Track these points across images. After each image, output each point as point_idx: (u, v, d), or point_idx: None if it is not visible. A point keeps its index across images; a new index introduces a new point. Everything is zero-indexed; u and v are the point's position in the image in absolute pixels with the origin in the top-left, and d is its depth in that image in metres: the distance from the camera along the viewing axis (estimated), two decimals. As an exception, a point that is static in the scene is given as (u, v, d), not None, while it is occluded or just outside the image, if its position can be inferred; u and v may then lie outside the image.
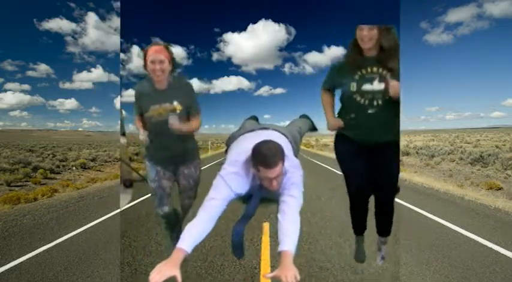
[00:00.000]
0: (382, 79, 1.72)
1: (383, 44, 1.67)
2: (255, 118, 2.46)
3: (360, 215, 2.18)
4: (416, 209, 5.12)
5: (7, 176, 8.65)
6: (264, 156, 1.36)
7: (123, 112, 2.71)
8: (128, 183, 2.72)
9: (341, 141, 2.04)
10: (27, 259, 3.20)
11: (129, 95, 2.22)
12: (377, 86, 1.73)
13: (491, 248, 3.30)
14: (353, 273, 2.69)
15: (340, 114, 1.99)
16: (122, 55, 2.92)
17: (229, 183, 1.48)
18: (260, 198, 1.63)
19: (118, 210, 5.30)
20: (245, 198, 1.64)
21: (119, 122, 2.81)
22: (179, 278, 1.19)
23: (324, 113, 2.03)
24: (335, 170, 11.65)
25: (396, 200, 1.96)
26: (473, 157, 11.88)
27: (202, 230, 1.37)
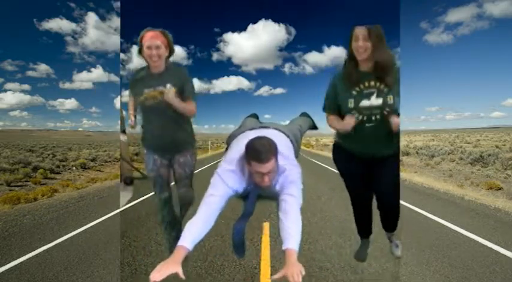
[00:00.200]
0: (380, 94, 1.71)
1: (377, 57, 1.65)
2: (255, 116, 2.45)
3: (363, 221, 2.19)
4: (416, 209, 5.12)
5: (7, 176, 8.65)
6: (256, 151, 1.37)
7: (123, 111, 2.71)
8: (128, 181, 2.72)
9: (339, 152, 2.04)
10: (27, 259, 3.20)
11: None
12: (375, 101, 1.71)
13: (491, 248, 3.30)
14: (353, 273, 2.69)
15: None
16: (122, 55, 2.92)
17: (225, 180, 1.49)
18: (258, 196, 1.63)
19: (118, 210, 5.30)
20: (244, 196, 1.64)
21: (119, 121, 2.81)
22: (181, 273, 1.19)
23: (335, 129, 1.94)
24: (335, 170, 11.63)
25: (396, 200, 1.96)
26: (473, 157, 11.88)
27: (202, 227, 1.38)
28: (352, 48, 1.68)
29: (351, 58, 1.73)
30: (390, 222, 2.10)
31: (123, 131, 2.75)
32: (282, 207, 1.41)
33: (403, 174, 9.78)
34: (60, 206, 5.80)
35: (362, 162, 1.91)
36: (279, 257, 3.03)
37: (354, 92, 1.75)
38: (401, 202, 5.49)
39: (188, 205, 2.32)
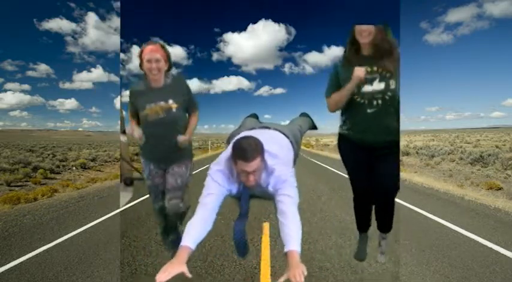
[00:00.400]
0: (382, 79, 1.72)
1: (380, 40, 1.67)
2: (255, 116, 2.46)
3: (363, 212, 2.19)
4: (416, 209, 5.12)
5: (7, 176, 8.65)
6: (242, 150, 1.38)
7: (123, 112, 2.71)
8: (128, 182, 2.72)
9: (343, 142, 2.05)
10: (27, 259, 3.20)
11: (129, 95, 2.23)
12: (377, 86, 1.73)
13: (491, 248, 3.30)
14: (353, 273, 2.69)
15: (341, 115, 2.00)
16: (122, 55, 2.93)
17: (216, 180, 1.51)
18: (251, 196, 1.65)
19: (118, 210, 5.30)
20: (238, 197, 1.65)
21: (119, 121, 2.81)
22: (187, 272, 1.21)
23: (344, 93, 1.80)
24: (335, 170, 11.66)
25: (396, 200, 1.96)
26: (473, 157, 11.88)
27: (202, 227, 1.40)
28: (355, 32, 1.69)
29: (353, 43, 1.74)
30: (385, 218, 2.09)
31: (123, 132, 2.75)
32: (280, 209, 1.41)
33: (403, 174, 9.78)
34: (60, 206, 5.80)
35: (365, 150, 1.91)
36: (279, 257, 3.03)
37: None
38: (402, 202, 5.49)
39: (178, 217, 2.25)
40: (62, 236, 3.92)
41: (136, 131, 2.06)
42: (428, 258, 3.07)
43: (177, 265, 1.21)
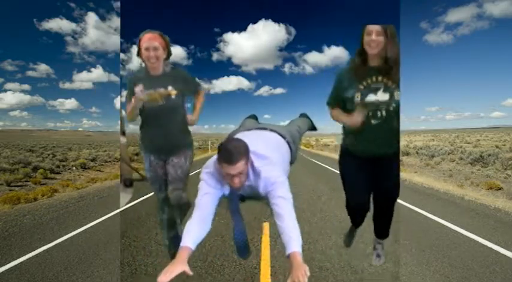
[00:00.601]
0: (387, 89, 1.71)
1: (388, 52, 1.66)
2: (255, 117, 2.47)
3: (357, 219, 2.20)
4: (416, 209, 5.12)
5: (7, 176, 8.65)
6: (226, 153, 1.38)
7: (123, 112, 2.71)
8: (127, 183, 2.72)
9: (345, 156, 2.04)
10: (27, 259, 3.20)
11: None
12: (381, 96, 1.72)
13: (491, 248, 3.30)
14: (353, 273, 2.69)
15: (343, 128, 2.00)
16: (122, 55, 2.93)
17: (208, 182, 1.53)
18: (243, 198, 1.66)
19: (118, 210, 5.30)
20: (230, 199, 1.65)
21: (119, 121, 2.80)
22: (188, 270, 1.23)
23: (341, 122, 1.93)
24: (335, 170, 11.66)
25: (396, 200, 1.96)
26: (473, 157, 11.88)
27: (201, 227, 1.41)
28: (363, 42, 1.69)
29: (361, 53, 1.73)
30: (384, 226, 2.10)
31: (123, 133, 2.75)
32: (276, 212, 1.41)
33: (403, 174, 9.78)
34: (60, 206, 5.80)
35: (367, 163, 1.91)
36: (279, 257, 3.03)
37: (361, 86, 1.76)
38: (402, 202, 5.49)
39: (184, 208, 2.26)
40: (62, 236, 3.92)
41: (133, 101, 1.96)
42: (428, 258, 3.07)
43: (178, 265, 1.23)
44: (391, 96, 1.71)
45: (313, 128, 2.49)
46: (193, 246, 1.34)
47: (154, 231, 3.92)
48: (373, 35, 1.64)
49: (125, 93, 2.23)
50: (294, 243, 1.31)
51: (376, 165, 1.90)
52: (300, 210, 5.03)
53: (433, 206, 5.38)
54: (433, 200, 5.93)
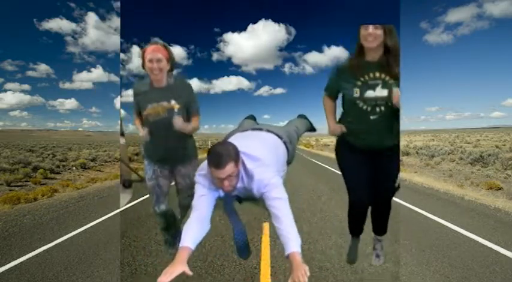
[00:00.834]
0: (385, 85, 1.71)
1: (388, 44, 1.65)
2: (253, 117, 2.48)
3: (357, 220, 2.18)
4: (416, 209, 5.12)
5: (7, 176, 8.65)
6: (214, 157, 1.39)
7: (123, 112, 2.71)
8: (126, 184, 2.72)
9: (342, 148, 2.04)
10: (27, 259, 3.20)
11: (129, 94, 2.23)
12: (380, 92, 1.72)
13: (491, 248, 3.30)
14: (353, 273, 2.69)
15: (341, 119, 1.99)
16: (122, 55, 2.93)
17: (202, 183, 1.54)
18: (240, 199, 1.66)
19: (118, 210, 5.30)
20: (224, 200, 1.66)
21: (119, 121, 2.80)
22: (188, 270, 1.24)
23: (325, 118, 2.01)
24: (335, 170, 11.65)
25: (396, 200, 1.96)
26: (473, 157, 11.88)
27: (200, 227, 1.42)
28: (360, 37, 1.68)
29: (359, 49, 1.73)
30: (381, 221, 2.09)
31: (122, 134, 2.75)
32: (273, 214, 1.41)
33: (403, 174, 9.78)
34: (60, 206, 5.80)
35: (365, 156, 1.91)
36: (279, 257, 3.04)
37: (359, 82, 1.76)
38: (402, 202, 5.49)
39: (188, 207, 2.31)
40: (62, 236, 3.92)
41: (142, 131, 2.06)
42: (428, 258, 3.07)
43: (178, 266, 1.23)
44: (390, 91, 1.70)
45: (312, 128, 2.50)
46: (192, 246, 1.34)
47: (154, 231, 3.92)
48: (370, 29, 1.63)
49: (125, 93, 2.24)
50: (292, 243, 1.30)
51: (374, 159, 1.90)
52: (300, 210, 5.02)
53: (433, 206, 5.38)
54: (433, 200, 5.92)
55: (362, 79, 1.75)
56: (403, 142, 30.19)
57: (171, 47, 2.00)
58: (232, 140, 1.70)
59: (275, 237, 3.59)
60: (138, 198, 5.98)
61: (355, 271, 2.72)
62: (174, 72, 2.10)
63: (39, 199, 6.51)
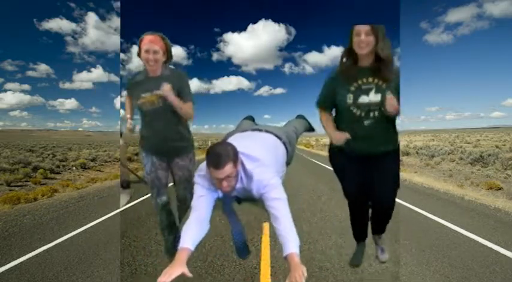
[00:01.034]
0: (378, 90, 1.70)
1: (378, 51, 1.63)
2: (251, 118, 2.49)
3: (359, 223, 2.18)
4: (416, 209, 5.12)
5: (7, 176, 8.65)
6: (213, 157, 1.39)
7: (123, 112, 2.71)
8: (125, 184, 2.72)
9: (336, 153, 2.02)
10: (27, 259, 3.20)
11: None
12: (373, 97, 1.71)
13: (491, 248, 3.30)
14: (353, 273, 2.69)
15: (335, 125, 1.97)
16: (122, 55, 2.93)
17: (202, 184, 1.54)
18: (239, 200, 1.67)
19: (118, 210, 5.30)
20: (223, 201, 1.66)
21: (119, 122, 2.81)
22: (187, 272, 1.24)
23: (325, 131, 1.93)
24: (335, 170, 11.63)
25: (396, 200, 1.96)
26: (473, 157, 11.87)
27: (199, 228, 1.42)
28: (352, 43, 1.66)
29: (350, 53, 1.72)
30: (380, 224, 2.08)
31: (121, 135, 2.76)
32: (272, 214, 1.41)
33: (403, 174, 9.78)
34: (60, 206, 5.80)
35: (360, 160, 1.90)
36: (279, 257, 3.03)
37: (352, 88, 1.74)
38: (402, 202, 5.49)
39: (186, 207, 2.30)
40: (62, 236, 3.92)
41: (128, 123, 2.06)
42: (428, 258, 3.07)
43: (178, 267, 1.23)
44: (383, 96, 1.69)
45: (310, 129, 2.50)
46: (192, 247, 1.34)
47: (154, 231, 3.92)
48: (362, 35, 1.61)
49: (124, 93, 2.24)
50: (290, 244, 1.31)
51: (371, 164, 1.88)
52: (300, 210, 5.03)
53: (433, 206, 5.38)
54: (433, 200, 5.92)
55: (355, 84, 1.74)
56: (403, 142, 30.17)
57: (168, 39, 2.00)
58: (231, 140, 1.70)
59: (275, 237, 3.57)
60: (138, 198, 5.98)
61: (355, 271, 2.72)
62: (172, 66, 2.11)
63: (39, 199, 6.51)
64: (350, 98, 1.75)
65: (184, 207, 2.34)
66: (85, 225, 4.44)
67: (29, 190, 7.63)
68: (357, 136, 1.81)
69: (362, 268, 2.74)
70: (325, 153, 26.23)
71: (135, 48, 2.01)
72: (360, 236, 2.24)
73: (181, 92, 2.06)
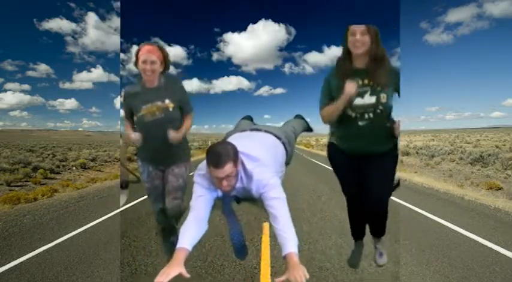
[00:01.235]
0: (373, 92, 1.70)
1: (373, 52, 1.64)
2: (250, 118, 2.49)
3: (357, 220, 2.19)
4: (416, 209, 5.12)
5: (7, 176, 8.65)
6: (213, 156, 1.39)
7: (123, 112, 2.71)
8: (123, 185, 2.73)
9: (333, 151, 2.03)
10: (27, 259, 3.20)
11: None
12: (368, 99, 1.71)
13: (491, 248, 3.30)
14: (353, 273, 2.69)
15: (331, 126, 1.99)
16: (122, 55, 2.93)
17: (201, 184, 1.54)
18: (238, 199, 1.67)
19: (118, 210, 5.30)
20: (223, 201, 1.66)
21: (119, 122, 2.80)
22: (185, 273, 1.23)
23: (336, 114, 1.79)
24: (335, 170, 11.63)
25: (396, 200, 1.96)
26: (473, 157, 11.87)
27: (197, 228, 1.42)
28: (347, 43, 1.67)
29: (346, 55, 1.72)
30: (376, 224, 2.09)
31: (121, 135, 2.76)
32: (271, 214, 1.41)
33: (403, 174, 9.78)
34: (60, 206, 5.80)
35: (356, 160, 1.90)
36: (279, 257, 3.03)
37: None
38: (402, 202, 5.49)
39: (178, 217, 2.28)
40: (62, 236, 3.92)
41: (133, 134, 2.03)
42: (428, 258, 3.07)
43: (175, 267, 1.23)
44: (378, 98, 1.70)
45: (308, 129, 2.51)
46: (189, 248, 1.34)
47: (154, 231, 3.92)
48: (358, 35, 1.62)
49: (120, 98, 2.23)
50: (290, 244, 1.31)
51: (366, 163, 1.88)
52: (300, 210, 5.03)
53: (433, 206, 5.38)
54: (433, 200, 5.92)
55: None
56: (403, 142, 30.16)
57: (166, 48, 2.01)
58: (231, 140, 1.70)
59: (275, 237, 3.58)
60: (138, 198, 5.98)
61: (355, 271, 2.72)
62: (175, 71, 2.11)
63: (39, 199, 6.51)
64: None
65: (176, 216, 2.26)
66: (85, 225, 4.44)
67: (29, 190, 7.63)
68: (351, 136, 1.82)
69: (362, 268, 2.74)
70: (325, 153, 26.12)
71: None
72: (357, 233, 2.24)
73: (183, 104, 2.10)
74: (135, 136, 2.02)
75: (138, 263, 2.99)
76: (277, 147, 1.84)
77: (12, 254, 3.36)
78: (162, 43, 2.02)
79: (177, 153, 2.18)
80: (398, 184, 2.05)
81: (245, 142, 1.64)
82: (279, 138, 1.90)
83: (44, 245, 3.60)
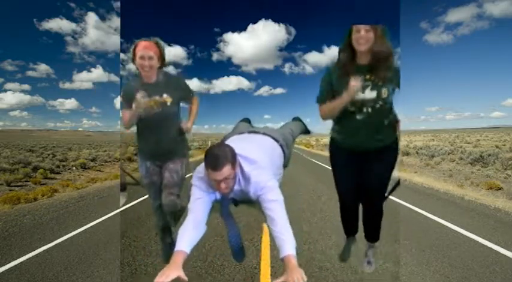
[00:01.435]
0: (374, 87, 1.70)
1: (376, 49, 1.63)
2: (248, 120, 2.49)
3: (349, 218, 2.19)
4: (416, 209, 5.12)
5: (7, 176, 8.65)
6: (211, 158, 1.39)
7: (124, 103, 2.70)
8: (122, 186, 2.73)
9: (334, 146, 2.04)
10: (27, 259, 3.20)
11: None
12: (369, 94, 1.71)
13: (491, 248, 3.30)
14: (353, 273, 2.69)
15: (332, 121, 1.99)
16: (122, 55, 2.92)
17: (199, 186, 1.54)
18: (235, 202, 1.66)
19: (118, 210, 5.30)
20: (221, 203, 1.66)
21: (119, 121, 2.80)
22: (183, 276, 1.23)
23: (336, 111, 1.77)
24: (335, 170, 11.62)
25: (396, 200, 1.96)
26: (473, 157, 11.87)
27: (195, 230, 1.42)
28: (351, 39, 1.66)
29: (348, 50, 1.70)
30: (372, 223, 2.08)
31: (121, 135, 2.75)
32: (268, 216, 1.41)
33: (403, 174, 9.78)
34: (60, 206, 5.80)
35: (355, 156, 1.90)
36: (279, 257, 3.03)
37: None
38: (402, 202, 5.48)
39: (178, 214, 2.26)
40: (62, 236, 3.92)
41: (138, 94, 1.92)
42: (428, 258, 3.07)
43: (173, 270, 1.23)
44: (379, 93, 1.69)
45: (306, 131, 2.51)
46: (188, 250, 1.34)
47: (154, 231, 3.92)
48: (362, 31, 1.61)
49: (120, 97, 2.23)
50: (287, 246, 1.31)
51: (364, 160, 1.88)
52: (300, 210, 5.03)
53: (433, 206, 5.38)
54: (433, 200, 5.92)
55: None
56: (403, 142, 30.16)
57: (168, 47, 2.00)
58: (229, 142, 1.70)
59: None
60: (138, 198, 5.98)
61: (355, 271, 2.72)
62: (175, 71, 2.11)
63: (39, 199, 6.51)
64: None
65: (175, 213, 2.23)
66: (85, 225, 4.44)
67: (29, 190, 7.63)
68: (350, 130, 1.82)
69: (362, 268, 2.74)
70: (324, 153, 26.23)
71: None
72: (349, 230, 2.25)
73: (185, 94, 2.13)
74: (140, 94, 1.93)
75: (138, 263, 2.99)
76: (275, 150, 1.84)
77: (12, 254, 3.36)
78: (157, 38, 2.01)
79: (174, 148, 2.18)
80: (398, 184, 2.05)
81: (243, 144, 1.64)
82: (276, 140, 1.90)
83: (44, 245, 3.60)
